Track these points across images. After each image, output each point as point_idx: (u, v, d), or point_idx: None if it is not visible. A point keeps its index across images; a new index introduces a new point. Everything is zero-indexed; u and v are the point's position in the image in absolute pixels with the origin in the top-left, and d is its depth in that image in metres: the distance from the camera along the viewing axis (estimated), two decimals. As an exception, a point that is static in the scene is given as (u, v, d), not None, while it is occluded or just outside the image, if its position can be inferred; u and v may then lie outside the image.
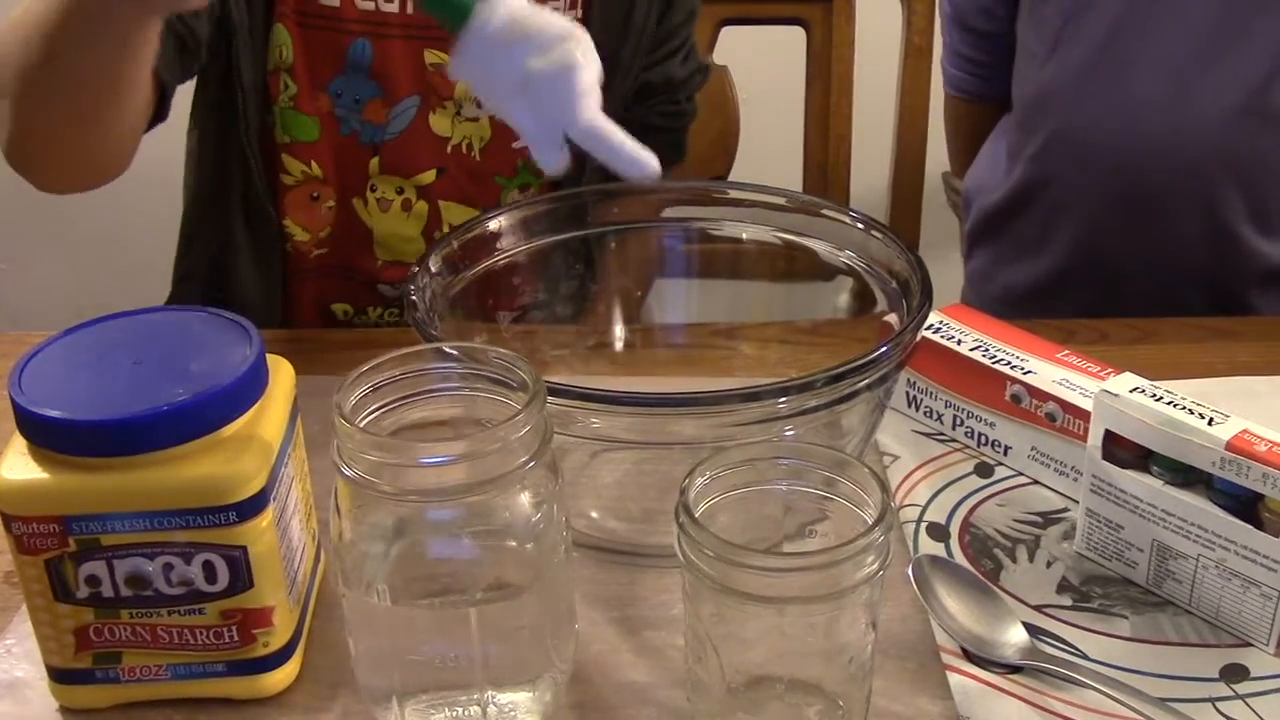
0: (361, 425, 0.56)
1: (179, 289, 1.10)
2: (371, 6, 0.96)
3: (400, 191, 1.03)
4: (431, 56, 0.99)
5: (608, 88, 1.07)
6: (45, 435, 0.56)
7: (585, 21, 1.05)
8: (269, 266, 1.04)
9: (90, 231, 2.14)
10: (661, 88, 1.14)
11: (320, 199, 1.02)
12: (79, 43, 0.75)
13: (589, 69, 0.56)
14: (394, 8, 0.97)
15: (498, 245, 0.81)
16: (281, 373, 0.63)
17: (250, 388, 0.59)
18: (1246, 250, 1.15)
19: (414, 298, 0.70)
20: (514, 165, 1.06)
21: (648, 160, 0.56)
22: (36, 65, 0.77)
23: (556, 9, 1.00)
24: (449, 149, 1.03)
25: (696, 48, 1.17)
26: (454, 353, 0.61)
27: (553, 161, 0.58)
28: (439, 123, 1.02)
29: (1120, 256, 1.17)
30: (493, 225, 0.81)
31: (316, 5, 0.96)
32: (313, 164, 1.01)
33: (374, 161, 1.02)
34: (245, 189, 1.01)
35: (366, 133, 1.01)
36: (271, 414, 0.60)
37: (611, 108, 1.07)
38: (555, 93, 0.56)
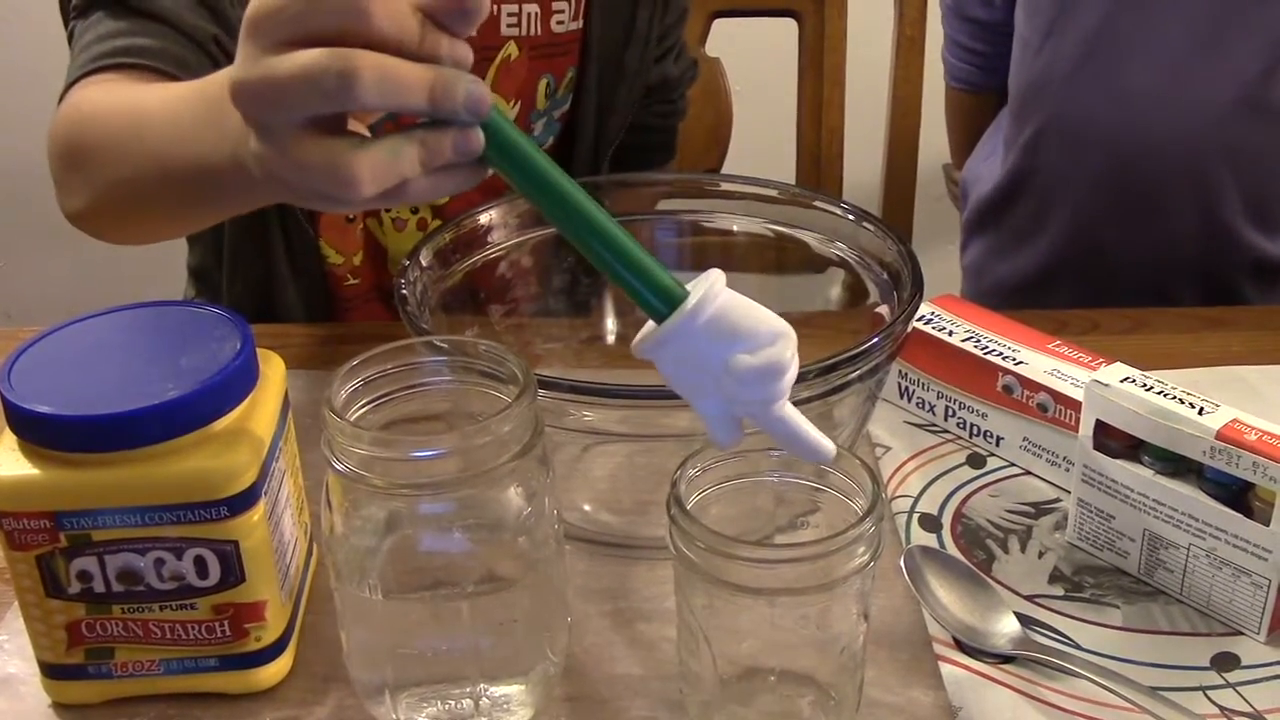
0: (352, 419, 0.56)
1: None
2: None
3: (415, 211, 1.02)
4: None
5: (613, 95, 1.07)
6: (35, 431, 0.56)
7: (586, 27, 1.04)
8: (313, 292, 1.02)
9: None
10: (658, 88, 1.14)
11: (355, 221, 1.01)
12: (202, 196, 0.68)
13: (794, 368, 0.54)
14: None
15: (489, 239, 0.81)
16: (272, 367, 0.63)
17: (240, 382, 0.59)
18: (1240, 243, 1.15)
19: (405, 291, 0.70)
20: None
21: (827, 449, 0.55)
22: (142, 185, 0.71)
23: (560, 19, 1.00)
24: None
25: (686, 44, 1.17)
26: (445, 346, 0.61)
27: (730, 440, 0.55)
28: None
29: (1114, 248, 1.17)
30: (484, 219, 0.81)
31: None
32: None
33: None
34: (282, 210, 0.99)
35: None
36: (262, 408, 0.60)
37: (619, 115, 1.07)
38: (756, 390, 0.53)
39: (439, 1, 0.51)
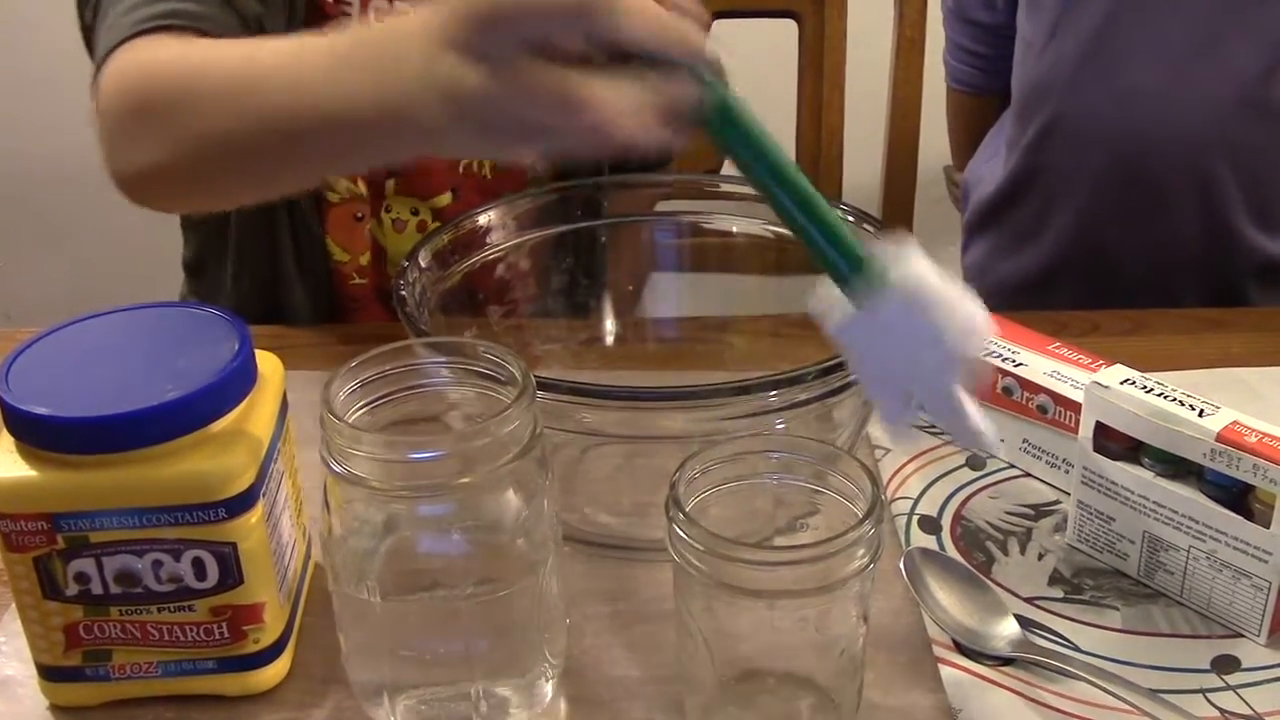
0: (350, 421, 0.56)
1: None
2: None
3: (415, 213, 1.02)
4: None
5: None
6: (32, 432, 0.56)
7: None
8: (318, 291, 1.02)
9: (85, 229, 2.14)
10: None
11: (364, 219, 1.01)
12: (324, 150, 0.67)
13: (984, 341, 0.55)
14: None
15: (488, 240, 0.81)
16: (270, 368, 0.63)
17: (238, 383, 0.59)
18: (1243, 243, 1.14)
19: (403, 292, 0.70)
20: (523, 180, 1.05)
21: (992, 439, 0.55)
22: (244, 139, 0.68)
23: None
24: (460, 168, 1.01)
25: None
26: (443, 347, 0.61)
27: (902, 420, 0.56)
28: None
29: (1116, 248, 1.17)
30: (483, 220, 0.80)
31: (336, 23, 0.94)
32: (358, 181, 0.99)
33: (390, 183, 1.01)
34: (290, 206, 0.98)
35: None
36: (260, 410, 0.60)
37: None
38: (943, 362, 0.54)
39: None
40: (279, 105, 0.65)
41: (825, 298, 0.56)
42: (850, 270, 0.54)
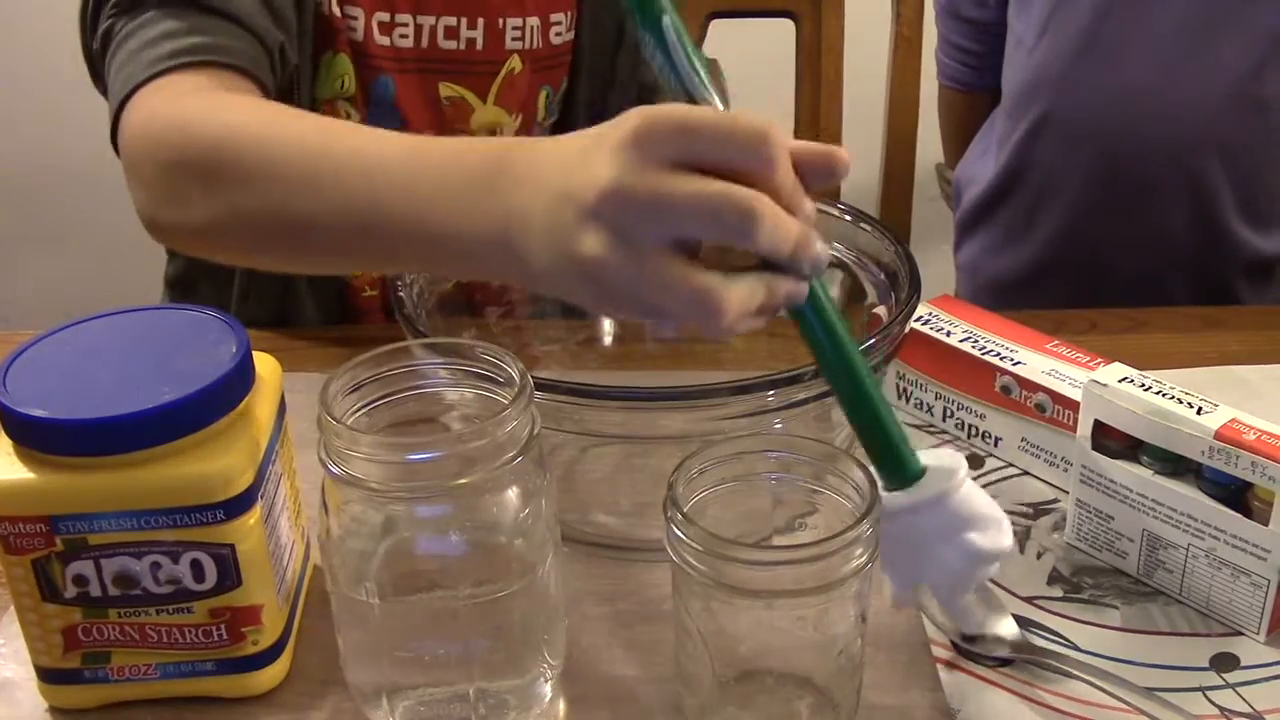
0: (348, 422, 0.56)
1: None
2: (387, 41, 0.94)
3: None
4: (446, 89, 0.98)
5: (605, 104, 1.06)
6: (30, 435, 0.56)
7: (576, 34, 1.04)
8: (330, 304, 1.01)
9: (82, 232, 2.14)
10: (652, 90, 1.14)
11: None
12: (400, 255, 0.65)
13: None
14: (409, 42, 0.95)
15: (486, 240, 0.81)
16: (268, 370, 0.63)
17: (236, 386, 0.59)
18: (1233, 240, 1.15)
19: (401, 294, 0.70)
20: None
21: (976, 630, 0.64)
22: (311, 226, 0.66)
23: (558, 31, 1.00)
24: None
25: None
26: (441, 348, 0.60)
27: (905, 603, 0.62)
28: None
29: (1107, 244, 1.17)
30: (480, 220, 0.80)
31: (347, 38, 0.93)
32: None
33: None
34: None
35: None
36: (258, 411, 0.60)
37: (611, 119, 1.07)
38: (972, 568, 0.59)
39: (814, 157, 0.54)
40: (377, 201, 0.63)
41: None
42: (897, 472, 0.58)
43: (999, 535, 0.59)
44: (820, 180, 0.55)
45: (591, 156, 0.54)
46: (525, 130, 1.02)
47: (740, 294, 0.53)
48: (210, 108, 0.74)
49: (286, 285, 1.00)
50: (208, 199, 0.70)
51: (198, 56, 0.77)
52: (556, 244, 0.55)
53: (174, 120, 0.73)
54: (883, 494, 0.57)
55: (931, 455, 0.59)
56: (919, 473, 0.58)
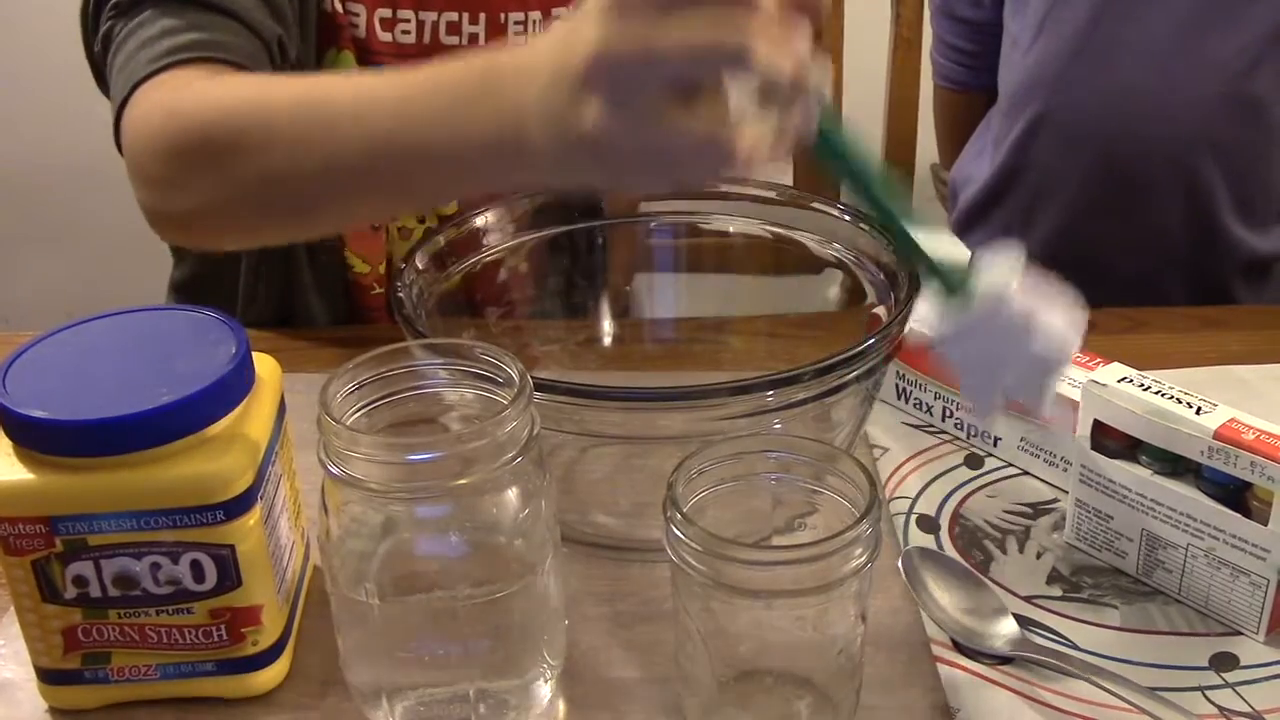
0: (347, 423, 0.56)
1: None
2: (390, 38, 0.94)
3: (422, 221, 1.02)
4: None
5: None
6: (30, 435, 0.56)
7: None
8: (336, 303, 1.01)
9: (82, 232, 2.14)
10: None
11: (380, 229, 1.00)
12: (412, 183, 0.65)
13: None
14: (411, 38, 0.94)
15: (484, 241, 0.81)
16: (268, 370, 0.63)
17: (236, 386, 0.59)
18: (1229, 239, 1.15)
19: (400, 294, 0.70)
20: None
21: (1064, 423, 0.65)
22: (321, 178, 0.67)
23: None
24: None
25: None
26: (441, 349, 0.61)
27: (993, 414, 0.63)
28: None
29: (1102, 245, 1.17)
30: (479, 221, 0.80)
31: (350, 34, 0.93)
32: None
33: None
34: None
35: None
36: (258, 412, 0.60)
37: None
38: (1035, 364, 0.60)
39: None
40: (374, 139, 0.64)
41: (926, 306, 0.62)
42: (944, 284, 0.59)
43: (1074, 312, 0.59)
44: (804, 16, 0.54)
45: (574, 31, 0.54)
46: None
47: (750, 132, 0.53)
48: (200, 91, 0.75)
49: (292, 287, 1.00)
50: (210, 179, 0.71)
51: (195, 53, 0.77)
52: (558, 128, 0.55)
53: (167, 110, 0.74)
54: (949, 308, 0.59)
55: (987, 259, 0.60)
56: (968, 279, 0.59)
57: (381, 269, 1.01)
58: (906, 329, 0.69)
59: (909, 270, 0.72)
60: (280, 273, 0.99)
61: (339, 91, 0.68)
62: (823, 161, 0.57)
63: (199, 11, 0.79)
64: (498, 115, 0.58)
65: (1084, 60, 1.12)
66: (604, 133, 0.53)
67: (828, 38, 1.36)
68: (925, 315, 0.62)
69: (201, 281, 1.06)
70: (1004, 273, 0.59)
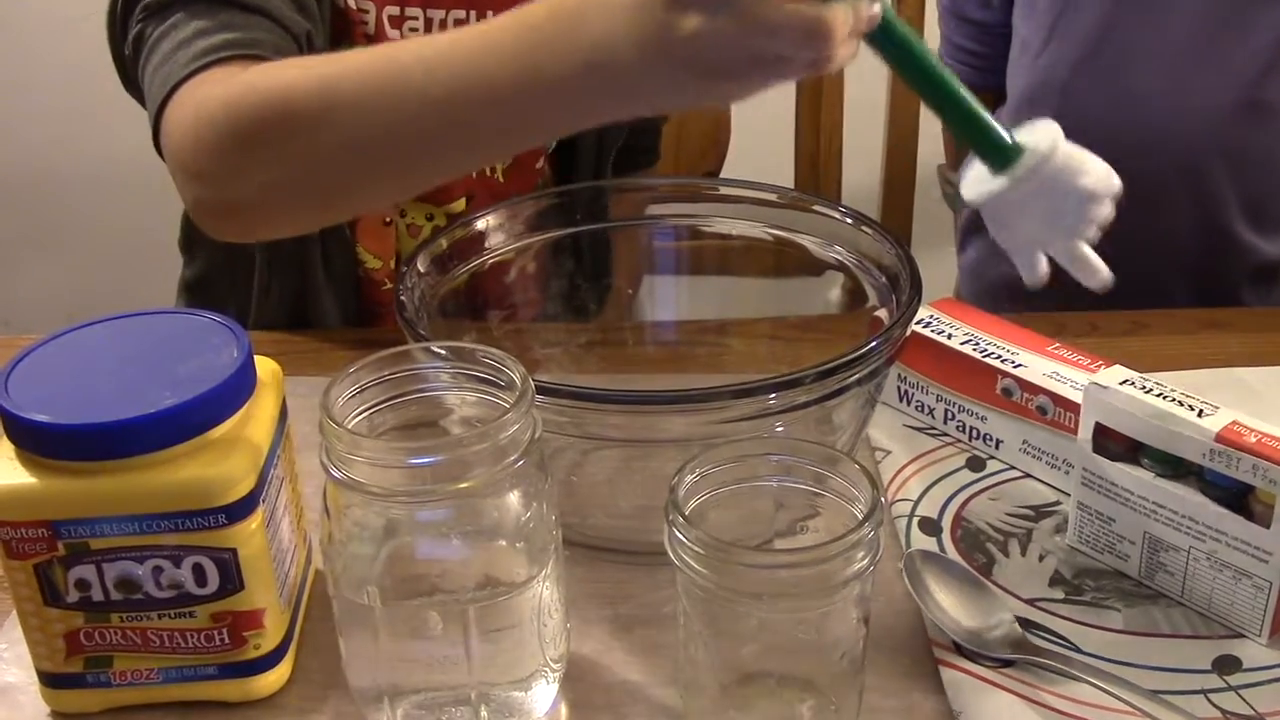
0: (349, 426, 0.56)
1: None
2: (398, 35, 0.94)
3: (430, 218, 1.02)
4: None
5: None
6: (32, 439, 0.56)
7: None
8: (348, 299, 1.01)
9: (84, 236, 2.14)
10: None
11: (391, 224, 1.00)
12: (509, 124, 0.67)
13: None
14: (419, 35, 0.94)
15: (486, 244, 0.81)
16: (269, 374, 0.63)
17: (238, 390, 0.59)
18: (1239, 245, 1.14)
19: (402, 298, 0.70)
20: (534, 183, 1.05)
21: (1108, 277, 0.72)
22: (390, 143, 0.69)
23: None
24: (475, 174, 1.01)
25: None
26: (442, 352, 0.61)
27: (1040, 274, 0.71)
28: None
29: (1112, 249, 1.17)
30: (481, 224, 0.80)
31: (361, 31, 0.93)
32: None
33: None
34: None
35: None
36: (260, 416, 0.60)
37: (617, 127, 1.07)
38: (1091, 210, 0.70)
39: None
40: (452, 90, 0.66)
41: (970, 175, 0.70)
42: (997, 149, 0.67)
43: (1108, 174, 0.69)
44: None
45: None
46: None
47: (840, 16, 0.57)
48: (265, 71, 0.75)
49: (305, 282, 1.00)
50: (278, 159, 0.72)
51: (232, 51, 0.78)
52: (651, 44, 0.58)
53: (222, 100, 0.73)
54: (998, 178, 0.67)
55: (1025, 130, 0.68)
56: (1019, 149, 0.67)
57: (392, 264, 1.02)
58: (908, 331, 0.69)
59: (909, 273, 0.72)
60: (294, 267, 0.99)
61: (403, 52, 0.69)
62: (880, 48, 0.63)
63: (231, 11, 0.80)
64: (586, 47, 0.61)
65: (1095, 65, 1.12)
66: (701, 38, 0.56)
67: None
68: (975, 183, 0.69)
69: (214, 279, 1.06)
70: (1049, 135, 0.67)
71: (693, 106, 0.64)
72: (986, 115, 0.67)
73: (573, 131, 0.72)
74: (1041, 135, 0.67)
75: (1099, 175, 0.68)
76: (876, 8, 0.60)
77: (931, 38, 1.38)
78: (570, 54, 0.62)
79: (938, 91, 0.66)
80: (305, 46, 0.84)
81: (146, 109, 0.80)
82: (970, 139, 0.68)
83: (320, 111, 0.70)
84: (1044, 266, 0.71)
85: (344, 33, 0.92)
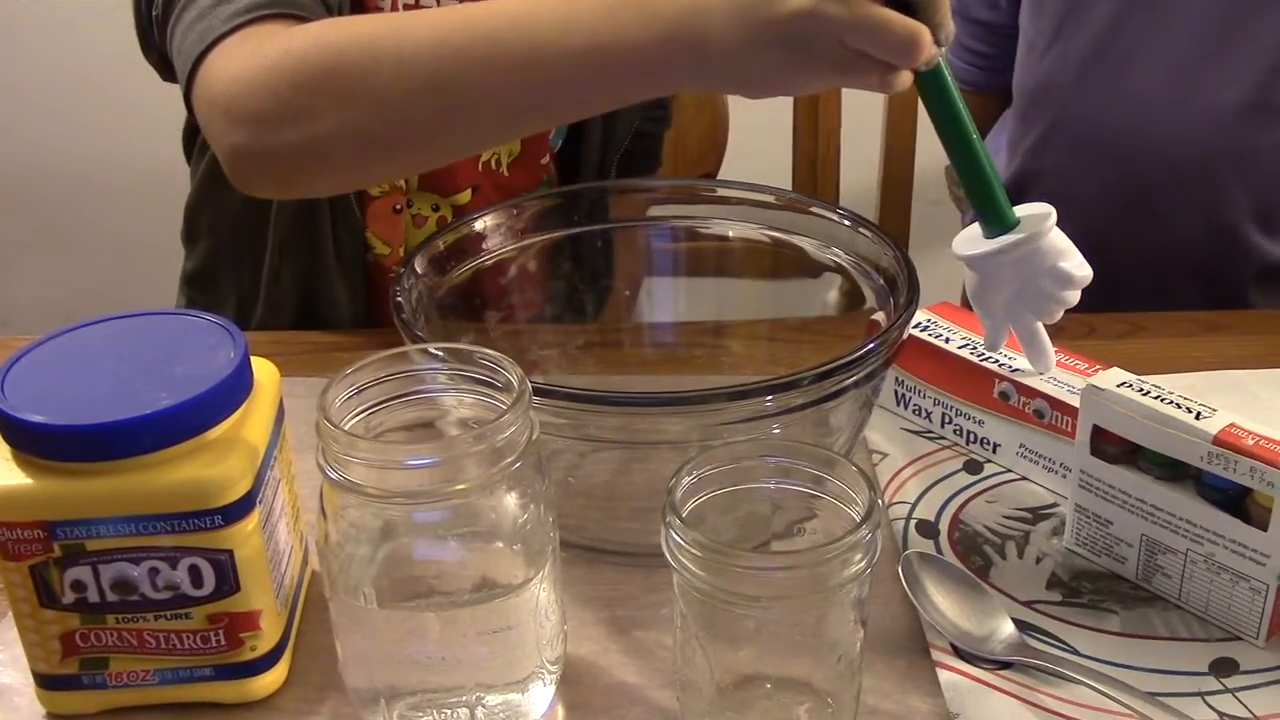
0: (346, 427, 0.56)
1: (268, 320, 1.04)
2: None
3: (436, 209, 1.02)
4: None
5: (616, 113, 1.06)
6: (29, 440, 0.56)
7: None
8: (356, 286, 1.01)
9: (82, 236, 2.13)
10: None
11: (402, 211, 1.00)
12: (583, 85, 0.69)
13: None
14: None
15: (484, 245, 0.81)
16: (266, 375, 0.63)
17: (234, 391, 0.59)
18: (1246, 247, 1.14)
19: (400, 299, 0.70)
20: (539, 179, 1.05)
21: (1053, 361, 0.75)
22: (458, 91, 0.70)
23: None
24: (480, 165, 1.01)
25: None
26: (439, 353, 0.60)
27: (1001, 344, 0.75)
28: None
29: (1118, 252, 1.16)
30: (479, 225, 0.80)
31: (375, 7, 0.94)
32: None
33: (413, 178, 1.01)
34: (333, 201, 0.98)
35: None
36: (256, 417, 0.60)
37: (626, 117, 1.07)
38: (1058, 292, 0.72)
39: None
40: (536, 46, 0.67)
41: (963, 234, 0.74)
42: (998, 215, 0.71)
43: (1083, 265, 0.72)
44: None
45: None
46: None
47: (930, 36, 0.61)
48: (330, 23, 0.76)
49: (316, 267, 1.00)
50: (347, 98, 0.72)
51: (272, 9, 0.78)
52: (753, 15, 0.60)
53: (282, 47, 0.74)
54: (990, 242, 0.71)
55: (1023, 207, 0.73)
56: (1016, 220, 0.71)
57: (401, 251, 1.02)
58: (905, 335, 0.69)
59: (907, 276, 0.72)
60: (305, 252, 1.00)
61: (477, 11, 0.70)
62: (925, 87, 0.67)
63: None
64: (672, 15, 0.62)
65: (1102, 66, 1.12)
66: (807, 17, 0.59)
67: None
68: (967, 243, 0.74)
69: (216, 271, 1.06)
70: (1044, 215, 0.72)
71: (758, 92, 0.64)
72: (999, 182, 0.71)
73: (642, 99, 0.72)
74: (1038, 214, 0.72)
75: (1076, 263, 0.72)
76: (942, 49, 0.65)
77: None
78: (657, 18, 0.63)
79: (964, 145, 0.70)
80: (336, 10, 0.84)
81: (175, 63, 0.80)
82: (978, 198, 0.71)
83: (394, 62, 0.71)
84: (1005, 339, 0.76)
85: (361, 10, 0.93)
